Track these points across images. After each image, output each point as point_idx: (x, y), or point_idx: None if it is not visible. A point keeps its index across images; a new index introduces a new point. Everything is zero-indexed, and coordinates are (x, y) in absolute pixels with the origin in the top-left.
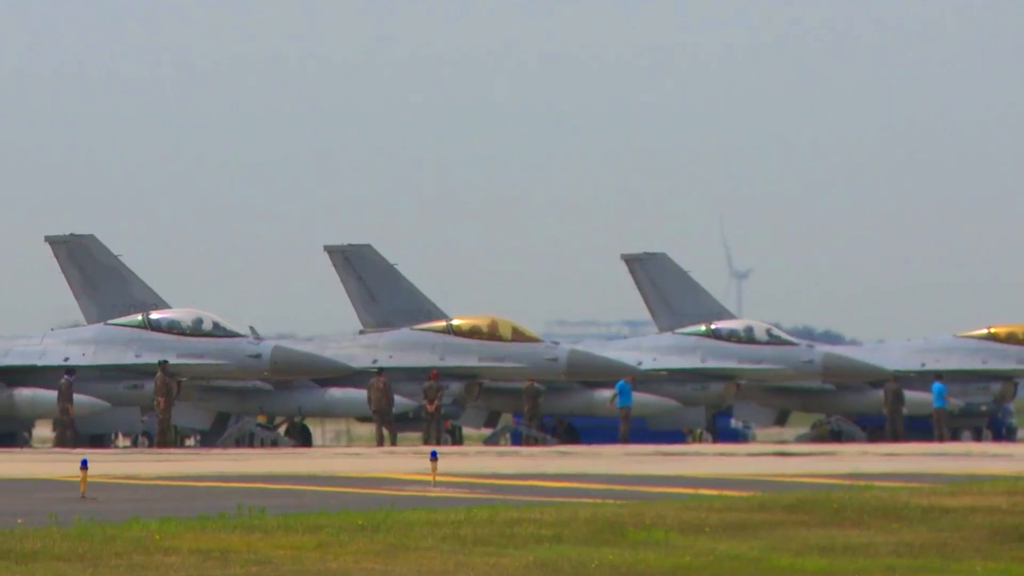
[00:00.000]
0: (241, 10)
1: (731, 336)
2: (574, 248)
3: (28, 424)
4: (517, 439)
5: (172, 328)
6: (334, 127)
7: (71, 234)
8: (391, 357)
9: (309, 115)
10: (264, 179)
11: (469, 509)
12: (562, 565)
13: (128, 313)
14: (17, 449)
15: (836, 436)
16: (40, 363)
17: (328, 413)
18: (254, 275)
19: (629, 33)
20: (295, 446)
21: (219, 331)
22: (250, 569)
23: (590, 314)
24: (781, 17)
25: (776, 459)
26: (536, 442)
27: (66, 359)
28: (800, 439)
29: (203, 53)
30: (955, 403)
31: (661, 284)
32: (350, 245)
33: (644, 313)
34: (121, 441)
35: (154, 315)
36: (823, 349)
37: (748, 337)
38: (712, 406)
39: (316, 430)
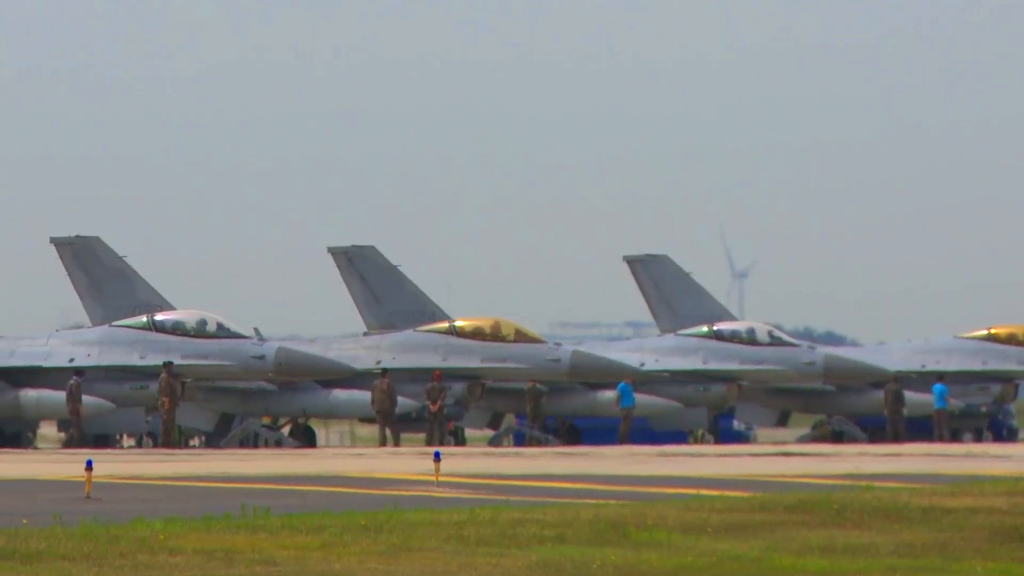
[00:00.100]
0: (245, 12)
1: (733, 337)
2: (576, 250)
3: (33, 425)
4: (520, 440)
5: (176, 329)
6: (337, 129)
7: (76, 235)
8: (394, 358)
9: (312, 117)
10: (268, 181)
11: (472, 510)
12: (565, 565)
13: (133, 314)
14: (22, 450)
15: (837, 437)
16: (45, 364)
17: (332, 414)
18: (258, 277)
19: (631, 36)
20: (299, 447)
21: (223, 332)
22: (254, 569)
23: (592, 315)
24: (782, 20)
25: (777, 460)
26: (539, 443)
27: (71, 360)
28: (801, 440)
29: (207, 55)
30: (955, 404)
31: (663, 285)
32: (353, 246)
33: (646, 314)
34: (126, 442)
35: (159, 316)
36: (824, 350)
37: (750, 338)
38: (714, 407)
39: (320, 431)
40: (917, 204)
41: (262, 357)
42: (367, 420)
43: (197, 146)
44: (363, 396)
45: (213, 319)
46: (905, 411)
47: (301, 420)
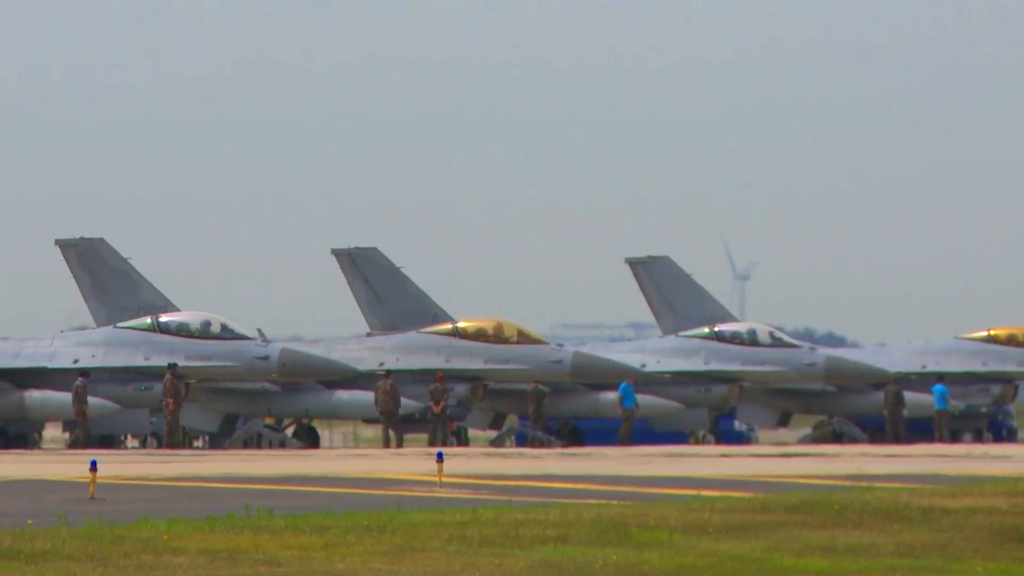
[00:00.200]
0: (248, 15)
1: (734, 338)
2: (578, 251)
3: (38, 426)
4: (522, 440)
5: (181, 331)
6: (341, 131)
7: (81, 237)
8: (397, 359)
9: (316, 120)
10: (271, 183)
11: (475, 510)
12: (567, 565)
13: (137, 316)
14: (27, 451)
15: (838, 438)
16: (50, 365)
17: (335, 415)
18: (262, 278)
19: (633, 38)
20: (302, 447)
21: (227, 334)
22: (258, 569)
23: (594, 317)
24: (782, 22)
25: (778, 460)
26: (541, 443)
27: (75, 361)
28: (802, 441)
29: (211, 58)
30: (955, 405)
31: (665, 287)
32: (357, 248)
33: (648, 316)
34: (130, 442)
35: (163, 318)
36: (825, 351)
37: (751, 340)
38: (715, 408)
39: (323, 432)
40: (917, 206)
41: (266, 358)
42: (370, 421)
43: (201, 148)
44: (366, 397)
45: (217, 320)
46: (905, 412)
47: (304, 421)
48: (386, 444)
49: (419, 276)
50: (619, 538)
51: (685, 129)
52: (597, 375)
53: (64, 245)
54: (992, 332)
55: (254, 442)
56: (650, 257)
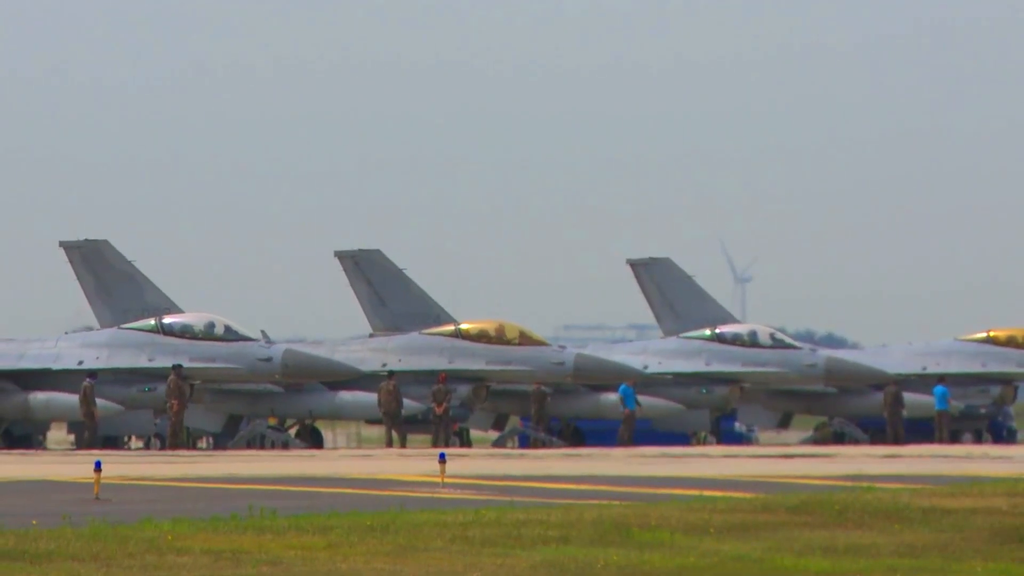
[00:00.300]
0: (252, 18)
1: (735, 340)
2: (580, 253)
3: (43, 427)
4: (524, 441)
5: (185, 332)
6: (344, 135)
7: (85, 239)
8: (400, 360)
9: (320, 123)
10: (275, 186)
11: (477, 510)
12: (569, 565)
13: (141, 317)
14: (32, 451)
15: (838, 438)
16: (55, 367)
17: (338, 415)
18: (265, 280)
19: (635, 41)
20: (305, 448)
21: (231, 335)
22: (261, 569)
23: (596, 318)
24: (784, 25)
25: (779, 461)
26: (543, 444)
27: (80, 362)
28: (803, 441)
29: (215, 61)
30: (955, 406)
31: (666, 289)
32: (360, 250)
33: (649, 317)
34: (134, 443)
35: (167, 319)
36: (826, 353)
37: (752, 341)
38: (716, 409)
39: (327, 432)
40: (917, 208)
41: (269, 359)
42: (373, 422)
43: (205, 151)
44: (369, 398)
45: (221, 322)
46: (905, 413)
47: (308, 422)
48: (389, 445)
49: (422, 278)
50: (621, 538)
51: (686, 131)
52: (599, 376)
53: (69, 247)
54: (991, 333)
55: (257, 443)
56: (651, 259)
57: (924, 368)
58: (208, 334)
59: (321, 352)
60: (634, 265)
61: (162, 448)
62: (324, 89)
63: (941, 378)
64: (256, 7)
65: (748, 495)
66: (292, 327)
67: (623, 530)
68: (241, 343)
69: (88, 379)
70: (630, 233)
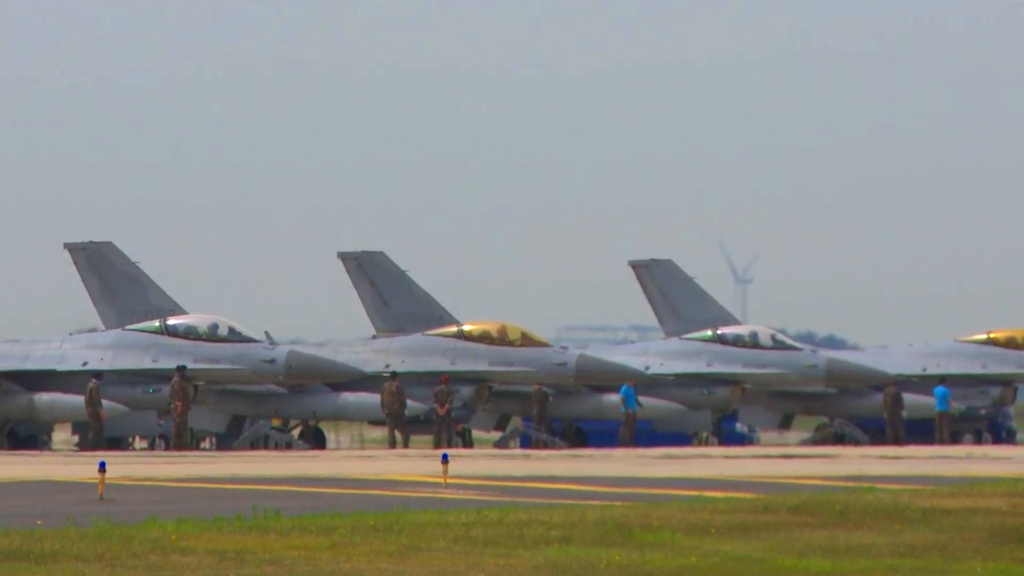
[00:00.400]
0: (256, 20)
1: (736, 341)
2: (582, 254)
3: (48, 427)
4: (526, 442)
5: (189, 333)
6: (347, 136)
7: (90, 241)
8: (403, 362)
9: (323, 124)
10: (279, 188)
11: (480, 511)
12: (571, 565)
13: (145, 319)
14: (37, 452)
15: (839, 439)
16: (59, 368)
17: (341, 416)
18: (269, 281)
19: (637, 44)
20: (309, 449)
21: (235, 336)
22: (265, 569)
23: (598, 319)
24: (784, 28)
25: (780, 462)
26: (545, 445)
27: (85, 364)
28: (804, 442)
29: (219, 63)
30: (956, 407)
31: (668, 290)
32: (363, 252)
33: (651, 318)
34: (138, 444)
35: (171, 321)
36: (826, 354)
37: (753, 342)
38: (718, 410)
39: (330, 433)
40: (917, 210)
41: (273, 361)
42: (376, 422)
43: (209, 153)
44: (372, 399)
45: (225, 323)
46: (904, 413)
47: (311, 422)
48: (392, 445)
49: (424, 279)
50: (622, 539)
51: (688, 133)
52: (601, 377)
53: (73, 249)
54: (992, 335)
55: (261, 443)
56: (653, 260)
57: (924, 369)
58: (212, 335)
59: (324, 353)
60: (636, 266)
61: (166, 449)
62: (327, 91)
63: (942, 379)
64: (259, 9)
65: (749, 495)
66: (295, 328)
67: (625, 530)
68: (245, 344)
69: (94, 380)
70: (632, 234)
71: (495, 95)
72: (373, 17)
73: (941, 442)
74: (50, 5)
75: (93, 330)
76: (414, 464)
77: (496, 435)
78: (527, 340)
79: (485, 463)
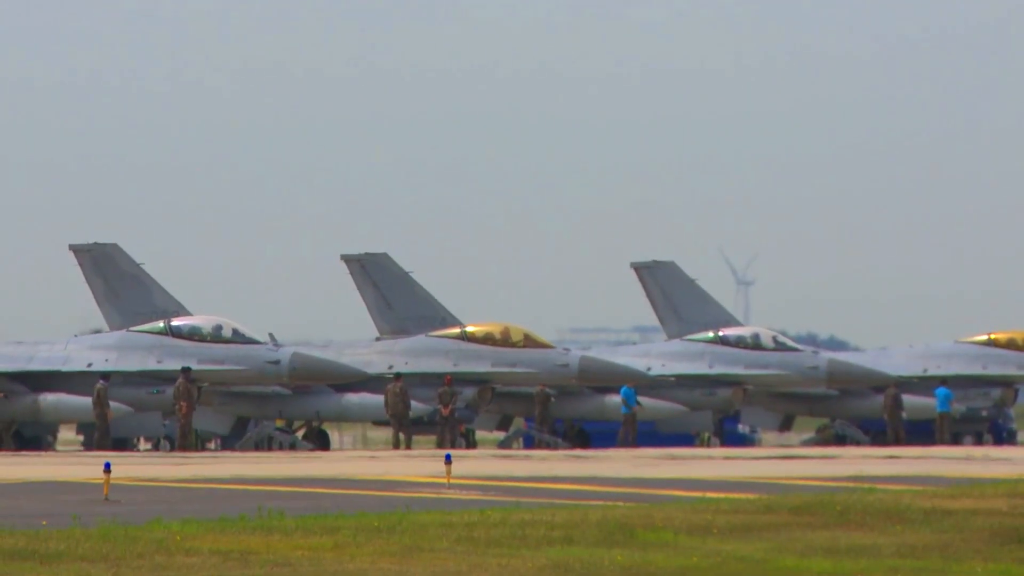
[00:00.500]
0: (261, 23)
1: (738, 343)
2: (585, 256)
3: (53, 428)
4: (529, 443)
5: (193, 335)
6: (350, 139)
7: (95, 243)
8: (407, 363)
9: (326, 127)
10: (283, 190)
11: (483, 511)
12: (573, 566)
13: (150, 320)
14: (42, 452)
15: (840, 440)
16: (64, 369)
17: (345, 417)
18: (273, 283)
19: (640, 47)
20: (313, 450)
21: (239, 338)
22: (269, 570)
23: (600, 321)
24: (785, 31)
25: (782, 462)
26: (548, 446)
27: (89, 365)
28: (805, 443)
29: (223, 65)
30: (956, 408)
31: (670, 292)
32: (366, 254)
33: (653, 320)
34: (143, 445)
35: (175, 322)
36: (828, 355)
37: (755, 344)
38: (719, 411)
39: (334, 434)
40: (918, 212)
41: (277, 362)
42: (380, 423)
43: (213, 155)
44: (376, 400)
45: (229, 325)
46: (904, 414)
47: (315, 423)
48: (395, 446)
49: (428, 281)
50: (625, 539)
51: (690, 136)
52: (603, 378)
53: (78, 250)
54: (992, 336)
55: (265, 444)
56: (655, 262)
57: (925, 370)
58: (216, 337)
59: (328, 355)
60: (638, 268)
61: (171, 450)
62: (331, 93)
63: (944, 381)
64: (264, 11)
65: (751, 496)
66: (299, 330)
67: (627, 531)
68: (249, 346)
69: (102, 381)
70: (634, 236)
71: (498, 98)
72: (378, 20)
73: (942, 443)
74: (58, 6)
75: (98, 331)
76: (417, 465)
77: (499, 436)
78: (530, 341)
79: (488, 464)
